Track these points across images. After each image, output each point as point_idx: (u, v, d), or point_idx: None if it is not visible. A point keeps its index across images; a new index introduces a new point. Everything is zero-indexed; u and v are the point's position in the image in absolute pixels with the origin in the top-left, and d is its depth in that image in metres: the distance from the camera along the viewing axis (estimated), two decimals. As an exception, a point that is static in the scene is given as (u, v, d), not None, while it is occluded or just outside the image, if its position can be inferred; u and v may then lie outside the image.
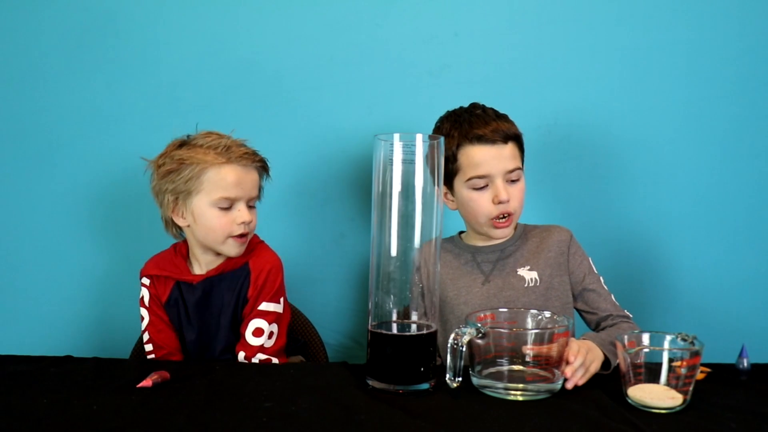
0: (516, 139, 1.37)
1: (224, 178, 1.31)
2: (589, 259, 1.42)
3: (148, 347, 1.38)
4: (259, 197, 1.40)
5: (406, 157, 1.04)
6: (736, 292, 1.71)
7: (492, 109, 1.40)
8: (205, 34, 1.72)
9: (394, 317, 1.07)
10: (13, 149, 1.75)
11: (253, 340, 1.33)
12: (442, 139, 1.09)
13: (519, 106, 1.42)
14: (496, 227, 1.36)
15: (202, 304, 1.37)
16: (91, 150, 1.74)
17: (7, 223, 1.76)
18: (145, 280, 1.41)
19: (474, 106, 1.41)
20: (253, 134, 1.73)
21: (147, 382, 1.05)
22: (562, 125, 1.70)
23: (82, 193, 1.75)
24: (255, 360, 1.31)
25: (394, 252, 1.06)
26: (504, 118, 1.38)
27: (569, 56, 1.70)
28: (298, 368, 1.20)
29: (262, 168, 1.39)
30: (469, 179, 1.34)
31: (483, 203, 1.35)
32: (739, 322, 1.70)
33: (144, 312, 1.40)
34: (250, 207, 1.37)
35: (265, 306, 1.35)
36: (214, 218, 1.32)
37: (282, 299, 1.38)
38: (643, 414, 0.94)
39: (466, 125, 1.35)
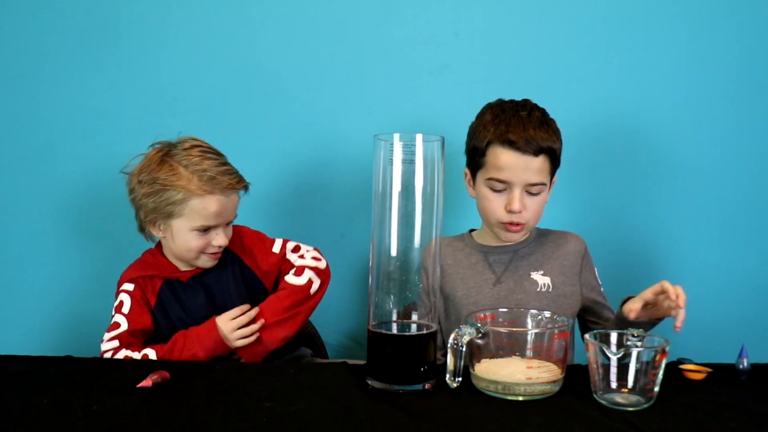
0: (550, 152, 1.32)
1: (207, 208, 1.32)
2: (595, 269, 1.44)
3: (113, 344, 1.32)
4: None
5: (406, 157, 1.04)
6: (736, 292, 1.71)
7: (541, 113, 1.35)
8: (204, 34, 1.72)
9: (394, 317, 1.07)
10: (11, 149, 1.75)
11: (294, 280, 1.41)
12: (442, 139, 1.08)
13: (519, 106, 1.41)
14: (507, 230, 1.35)
15: (206, 300, 1.38)
16: (90, 150, 1.74)
17: (7, 223, 1.76)
18: (128, 286, 1.39)
19: (523, 106, 1.35)
20: (253, 134, 1.74)
21: (147, 382, 1.05)
22: (561, 125, 1.68)
23: (81, 192, 1.74)
24: (304, 277, 1.40)
25: (394, 252, 1.06)
26: (546, 127, 1.32)
27: (569, 56, 1.70)
28: (298, 368, 1.20)
29: (244, 189, 1.39)
30: (490, 179, 1.33)
31: (496, 206, 1.34)
32: (739, 322, 1.70)
33: (121, 319, 1.36)
34: (227, 224, 1.38)
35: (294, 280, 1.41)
36: (191, 240, 1.34)
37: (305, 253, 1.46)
38: (644, 414, 0.94)
39: (503, 125, 1.31)
